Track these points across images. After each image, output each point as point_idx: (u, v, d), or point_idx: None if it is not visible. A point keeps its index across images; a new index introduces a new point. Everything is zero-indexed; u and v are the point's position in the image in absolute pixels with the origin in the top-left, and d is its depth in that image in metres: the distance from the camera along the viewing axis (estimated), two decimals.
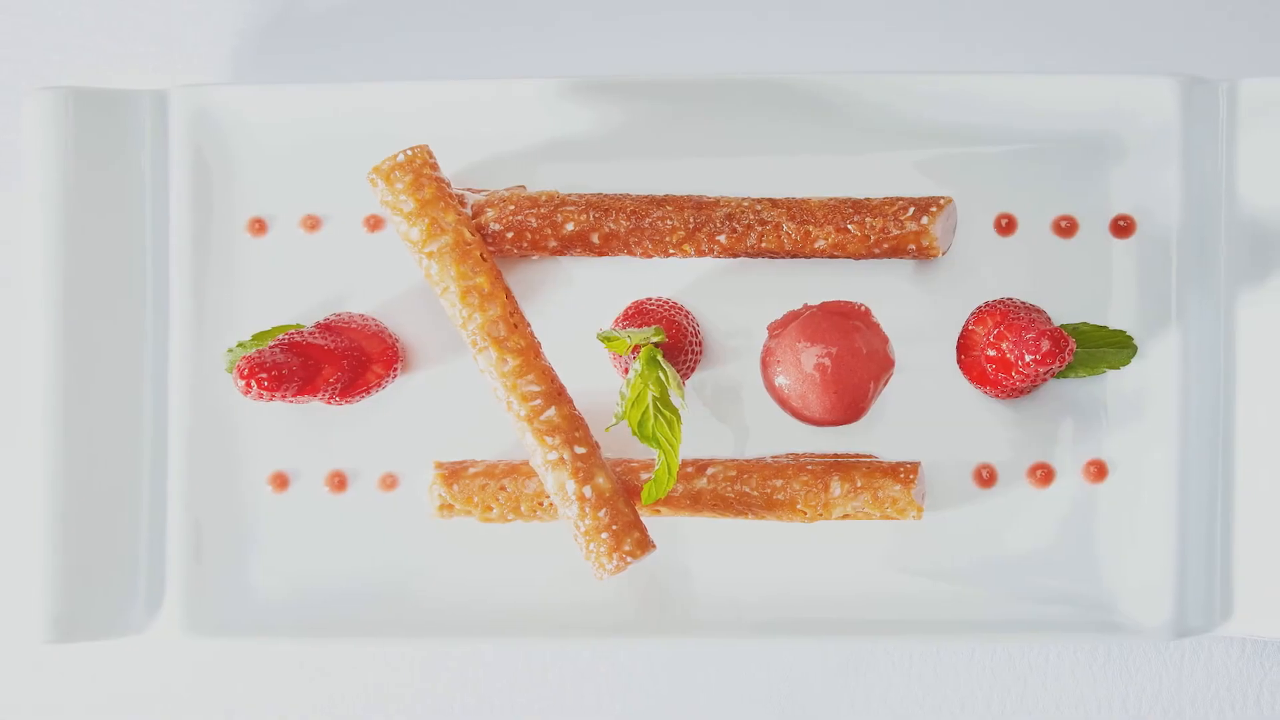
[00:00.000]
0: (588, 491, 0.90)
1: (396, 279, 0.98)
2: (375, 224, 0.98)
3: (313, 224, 0.98)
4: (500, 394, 0.92)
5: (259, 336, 0.97)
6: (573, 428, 0.92)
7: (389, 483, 0.98)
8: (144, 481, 0.97)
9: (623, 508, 0.91)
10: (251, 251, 0.98)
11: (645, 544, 0.91)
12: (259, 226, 0.98)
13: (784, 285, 0.96)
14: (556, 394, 0.92)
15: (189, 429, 0.97)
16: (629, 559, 0.90)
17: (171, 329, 0.98)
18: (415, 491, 0.98)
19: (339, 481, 0.98)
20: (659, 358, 0.90)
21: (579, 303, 0.97)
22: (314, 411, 0.98)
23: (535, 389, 0.91)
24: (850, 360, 0.90)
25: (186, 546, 0.97)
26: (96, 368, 0.96)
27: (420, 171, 0.92)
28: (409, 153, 0.92)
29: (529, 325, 0.93)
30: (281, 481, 0.98)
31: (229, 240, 0.98)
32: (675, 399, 0.90)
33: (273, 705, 1.03)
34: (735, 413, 0.97)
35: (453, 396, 0.98)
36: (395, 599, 0.97)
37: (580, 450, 0.91)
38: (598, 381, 0.96)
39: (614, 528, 0.90)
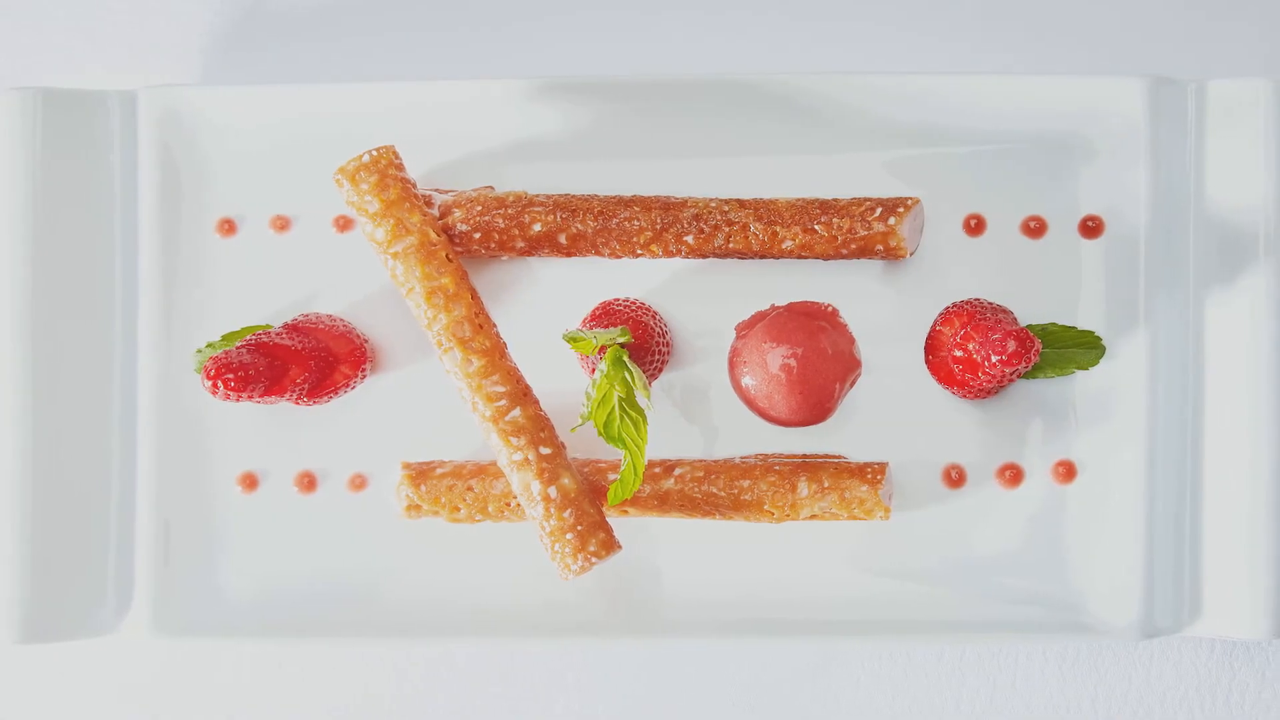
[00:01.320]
0: (553, 492, 0.91)
1: (366, 279, 0.98)
2: (345, 224, 0.98)
3: (282, 224, 0.98)
4: (465, 394, 0.92)
5: (228, 337, 0.97)
6: (538, 428, 0.92)
7: (358, 483, 0.98)
8: (113, 482, 0.97)
9: (588, 508, 0.91)
10: (221, 252, 0.98)
11: (610, 545, 0.91)
12: (228, 227, 0.98)
13: (753, 286, 0.96)
14: (522, 394, 0.92)
15: (158, 429, 0.97)
16: (594, 559, 0.90)
17: (141, 330, 0.98)
18: (384, 492, 0.98)
19: (308, 482, 0.98)
20: (625, 358, 0.90)
21: (547, 303, 0.97)
22: (283, 412, 0.98)
23: (500, 389, 0.91)
24: (816, 361, 0.90)
25: (155, 547, 0.97)
26: (65, 368, 0.96)
27: (385, 172, 0.92)
28: (374, 153, 0.92)
29: (494, 326, 0.93)
30: (250, 482, 0.98)
31: (198, 241, 0.98)
32: (641, 400, 0.90)
33: (242, 706, 1.03)
34: (704, 413, 0.97)
35: (422, 397, 0.98)
36: (364, 599, 0.97)
37: (545, 451, 0.91)
38: (566, 382, 0.96)
39: (579, 528, 0.90)
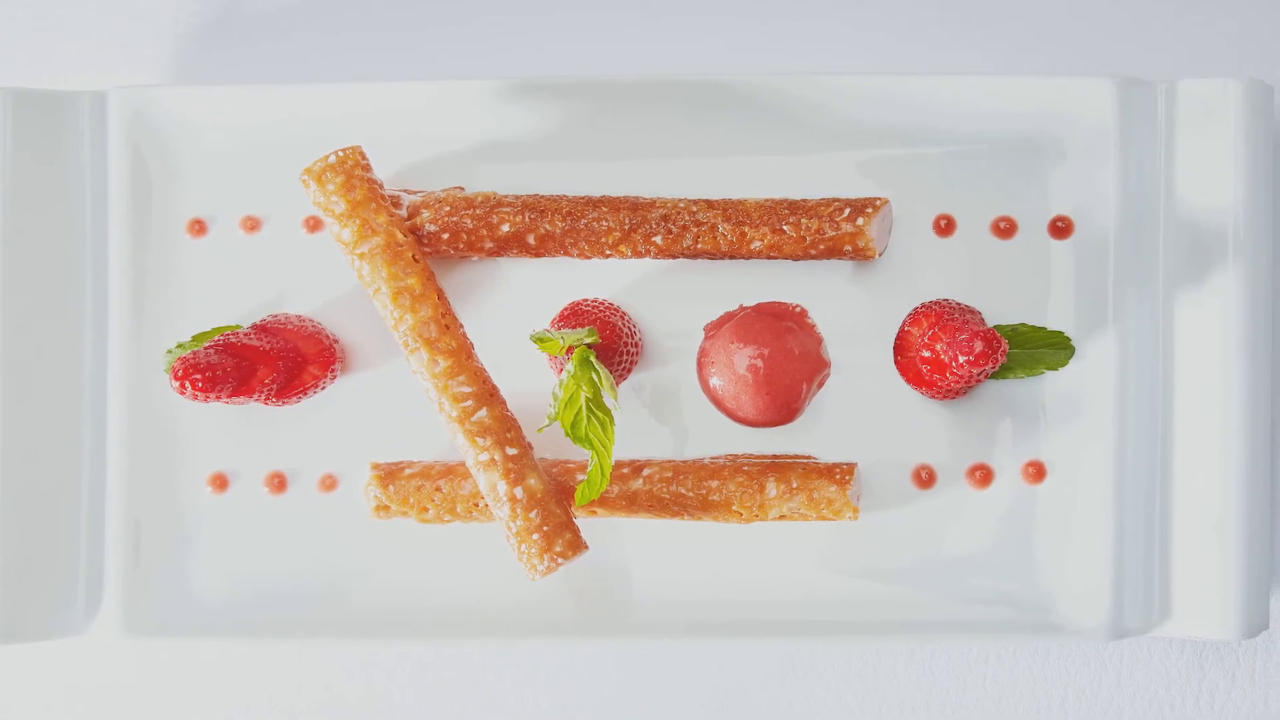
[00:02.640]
0: (519, 493, 0.91)
1: (336, 280, 0.98)
2: (315, 225, 0.98)
3: (252, 225, 0.98)
4: (432, 395, 0.92)
5: (199, 337, 0.97)
6: (504, 429, 0.92)
7: (328, 483, 0.98)
8: (83, 482, 0.97)
9: (554, 509, 0.91)
10: (191, 252, 0.98)
11: (577, 545, 0.91)
12: (199, 227, 0.99)
13: (723, 286, 0.96)
14: (488, 395, 0.92)
15: (128, 430, 0.97)
16: (560, 560, 0.90)
17: (111, 330, 0.98)
18: (355, 492, 0.98)
19: (278, 482, 0.98)
20: (592, 359, 0.90)
21: (516, 304, 0.97)
22: (253, 412, 0.98)
23: (466, 390, 0.91)
24: (783, 361, 0.90)
25: (125, 547, 0.97)
26: (35, 369, 0.96)
27: (352, 173, 0.92)
28: (341, 154, 0.92)
29: (461, 326, 0.93)
30: (221, 482, 0.98)
31: (169, 241, 0.98)
32: (608, 400, 0.90)
33: (213, 706, 1.03)
34: (674, 414, 0.97)
35: (392, 397, 0.98)
36: (335, 599, 0.97)
37: (512, 451, 0.91)
38: (534, 383, 0.96)
39: (545, 529, 0.90)
